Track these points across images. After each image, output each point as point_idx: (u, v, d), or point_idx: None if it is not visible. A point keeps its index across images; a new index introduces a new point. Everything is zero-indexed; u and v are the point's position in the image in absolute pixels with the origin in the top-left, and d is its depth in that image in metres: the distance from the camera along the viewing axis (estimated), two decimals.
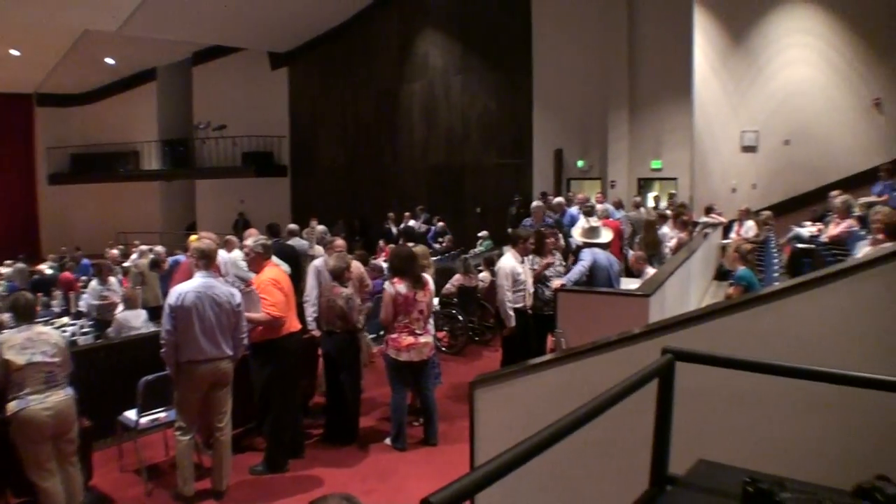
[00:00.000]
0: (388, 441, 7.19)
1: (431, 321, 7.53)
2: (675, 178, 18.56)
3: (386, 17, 23.60)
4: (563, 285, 7.37)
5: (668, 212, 13.75)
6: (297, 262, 10.30)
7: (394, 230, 18.82)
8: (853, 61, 17.31)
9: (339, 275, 7.24)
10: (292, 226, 12.33)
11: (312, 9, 23.04)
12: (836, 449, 3.55)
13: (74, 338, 10.14)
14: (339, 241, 8.49)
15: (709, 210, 15.30)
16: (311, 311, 7.95)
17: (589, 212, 12.52)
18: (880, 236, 5.53)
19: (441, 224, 18.82)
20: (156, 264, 12.22)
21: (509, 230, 11.41)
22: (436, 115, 22.93)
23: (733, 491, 1.76)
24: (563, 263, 8.79)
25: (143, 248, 13.60)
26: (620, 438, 3.05)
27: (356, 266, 8.27)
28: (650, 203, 16.28)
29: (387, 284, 7.10)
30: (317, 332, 7.62)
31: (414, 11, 23.00)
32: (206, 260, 5.95)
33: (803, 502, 1.49)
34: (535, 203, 11.63)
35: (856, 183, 15.59)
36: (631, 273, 9.36)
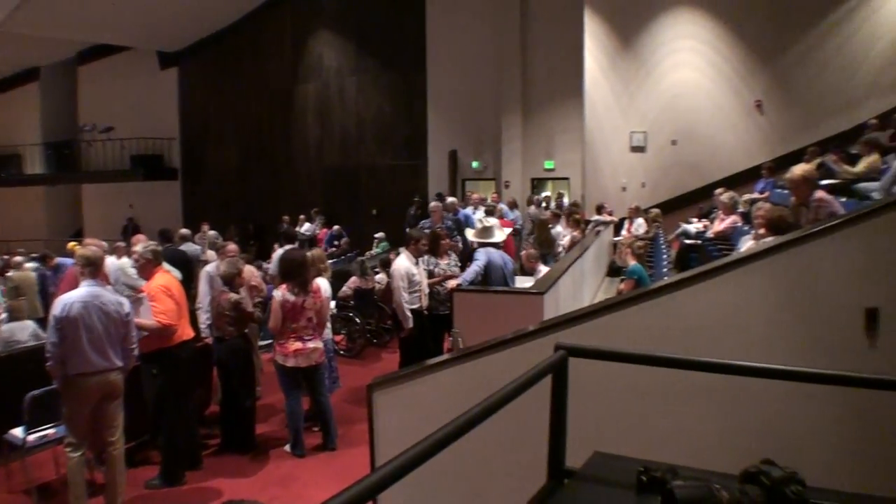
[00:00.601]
0: (286, 448, 7.11)
1: (329, 325, 7.48)
2: (567, 178, 18.95)
3: (278, 16, 23.28)
4: (458, 285, 7.41)
5: (558, 210, 14.05)
6: (190, 268, 10.09)
7: (305, 232, 18.60)
8: (736, 65, 18.25)
9: (230, 280, 7.13)
10: (184, 230, 12.07)
11: (202, 7, 22.53)
12: (725, 435, 3.68)
13: None
14: (232, 246, 8.37)
15: (600, 208, 15.68)
16: (204, 318, 7.81)
17: (491, 211, 12.68)
18: (762, 231, 5.74)
19: (337, 228, 18.70)
20: (43, 259, 11.80)
21: (407, 231, 11.38)
22: (330, 116, 22.75)
23: (628, 481, 1.80)
24: (458, 264, 8.84)
25: (18, 258, 12.93)
26: (521, 434, 3.08)
27: (249, 271, 8.14)
28: (543, 203, 16.55)
29: (275, 291, 6.99)
30: (210, 340, 7.47)
31: (307, 11, 22.76)
32: (93, 267, 5.73)
33: (693, 488, 1.53)
34: (433, 203, 11.59)
35: (740, 180, 16.35)
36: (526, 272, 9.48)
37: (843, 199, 7.86)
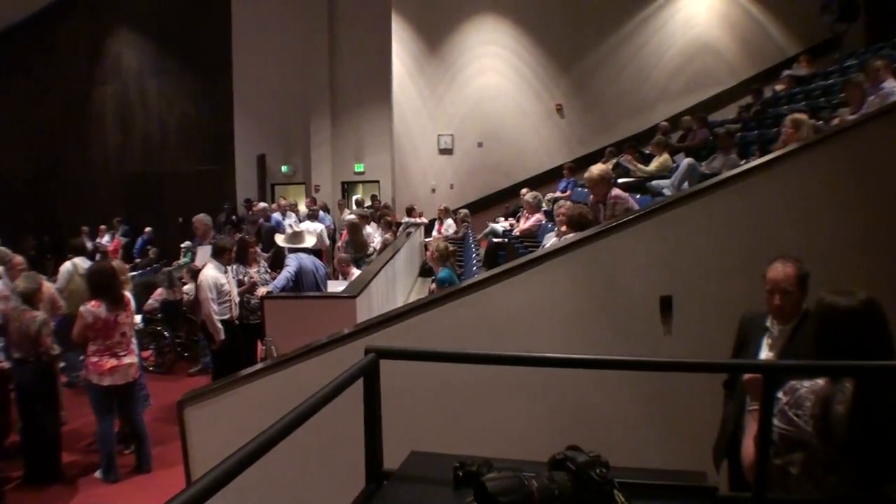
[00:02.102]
0: (98, 474, 6.72)
1: (135, 340, 7.15)
2: (377, 181, 19.11)
3: (72, 13, 21.89)
4: (269, 292, 7.30)
5: (362, 211, 14.13)
6: None
7: (89, 245, 17.61)
8: (537, 71, 19.25)
9: (31, 297, 6.68)
10: None
11: None
12: (537, 424, 3.81)
13: None
14: (18, 259, 7.85)
15: (410, 210, 15.89)
16: None
17: (315, 214, 12.53)
18: (564, 228, 5.99)
19: (149, 230, 18.03)
20: None
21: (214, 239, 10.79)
22: (131, 119, 21.82)
23: (445, 477, 1.82)
24: (269, 271, 8.71)
25: None
26: (339, 440, 3.07)
27: (47, 287, 7.67)
28: (355, 206, 16.60)
29: (83, 307, 6.59)
30: (5, 364, 6.95)
31: (104, 8, 21.63)
32: None
33: (504, 479, 1.57)
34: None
35: (543, 180, 17.14)
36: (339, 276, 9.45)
37: (638, 196, 8.34)
